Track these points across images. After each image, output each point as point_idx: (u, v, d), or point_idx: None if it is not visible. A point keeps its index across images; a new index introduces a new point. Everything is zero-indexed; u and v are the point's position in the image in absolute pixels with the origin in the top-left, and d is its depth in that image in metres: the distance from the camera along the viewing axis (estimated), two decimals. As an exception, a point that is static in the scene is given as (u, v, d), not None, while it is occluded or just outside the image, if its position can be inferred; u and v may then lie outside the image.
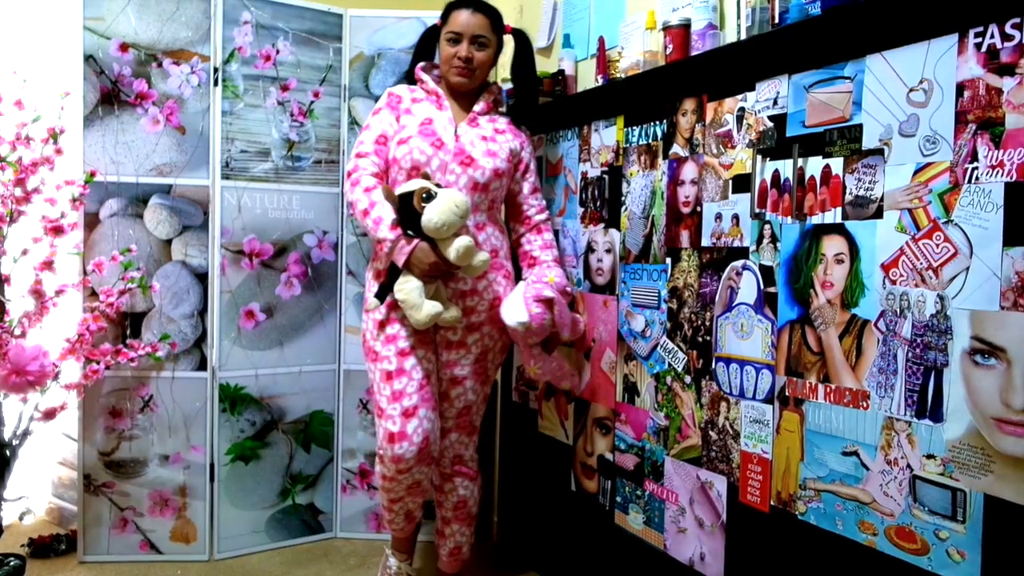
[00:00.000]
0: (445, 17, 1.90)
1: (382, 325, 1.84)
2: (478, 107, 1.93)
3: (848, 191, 1.28)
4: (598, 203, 1.92)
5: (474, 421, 1.98)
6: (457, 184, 1.82)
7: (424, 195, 1.68)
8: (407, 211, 1.70)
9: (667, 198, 1.68)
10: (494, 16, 1.90)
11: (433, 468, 1.94)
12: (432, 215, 1.66)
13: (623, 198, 1.83)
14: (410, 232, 1.71)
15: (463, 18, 1.86)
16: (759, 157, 1.44)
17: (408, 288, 1.72)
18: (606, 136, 1.89)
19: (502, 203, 1.99)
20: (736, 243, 1.50)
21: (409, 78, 2.00)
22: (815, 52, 1.33)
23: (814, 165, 1.34)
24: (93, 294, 2.18)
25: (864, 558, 1.25)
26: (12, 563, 2.05)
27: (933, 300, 1.15)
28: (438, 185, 1.75)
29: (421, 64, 1.98)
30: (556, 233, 2.07)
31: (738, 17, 1.61)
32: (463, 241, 1.69)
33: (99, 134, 2.20)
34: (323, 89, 2.41)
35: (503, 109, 2.04)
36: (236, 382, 2.33)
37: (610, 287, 1.88)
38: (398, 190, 1.75)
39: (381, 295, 1.78)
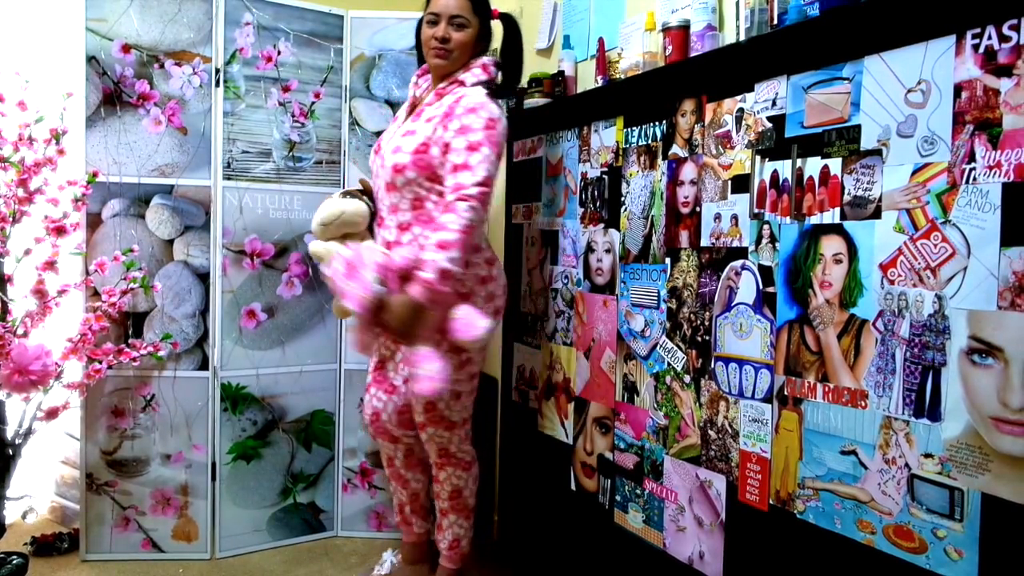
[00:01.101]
0: (428, 1, 1.91)
1: None
2: (428, 98, 1.90)
3: (846, 191, 1.28)
4: (598, 203, 1.93)
5: (445, 415, 1.91)
6: (381, 187, 1.89)
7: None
8: None
9: (666, 198, 1.69)
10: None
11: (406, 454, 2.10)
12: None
13: (623, 198, 1.83)
14: None
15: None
16: (758, 157, 1.45)
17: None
18: (606, 137, 1.89)
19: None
20: (735, 243, 1.50)
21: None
22: (814, 53, 1.33)
23: (813, 165, 1.34)
24: (95, 294, 2.19)
25: (862, 557, 1.26)
26: (15, 561, 2.06)
27: (931, 300, 1.15)
28: (359, 195, 2.01)
29: (419, 69, 2.02)
30: (556, 233, 2.08)
31: (737, 18, 1.61)
32: (312, 244, 2.00)
33: (101, 135, 2.21)
34: (324, 90, 2.42)
35: (470, 83, 1.85)
36: (237, 381, 2.34)
37: (610, 287, 1.88)
38: None
39: None
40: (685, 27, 1.68)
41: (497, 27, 1.98)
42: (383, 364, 2.04)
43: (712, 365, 1.56)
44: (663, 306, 1.70)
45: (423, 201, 1.81)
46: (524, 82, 2.23)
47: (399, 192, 1.83)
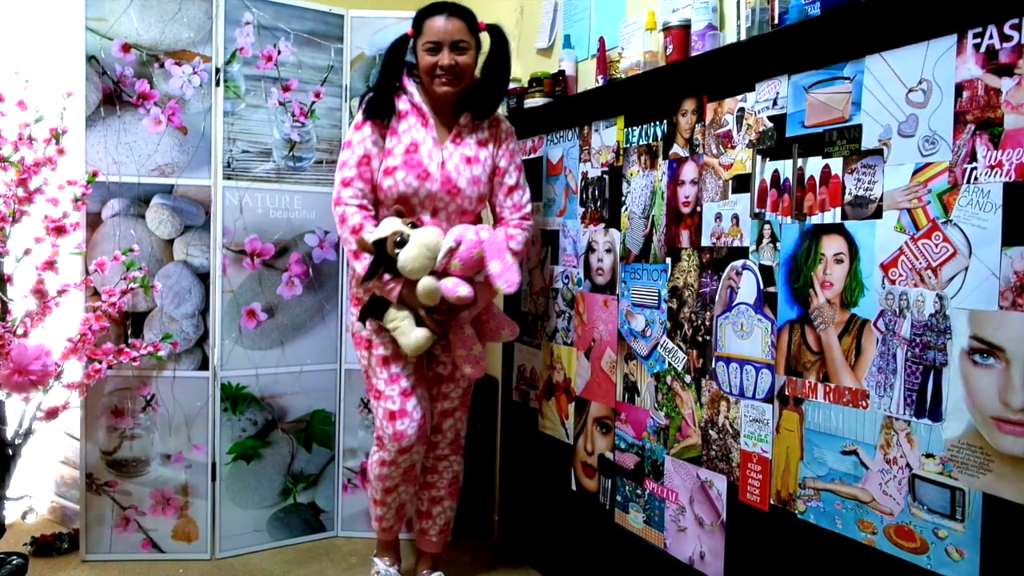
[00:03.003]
0: (419, 26, 1.85)
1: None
2: (463, 119, 1.90)
3: (847, 191, 1.28)
4: (598, 203, 1.93)
5: (468, 398, 2.08)
6: (447, 210, 1.87)
7: (396, 240, 1.77)
8: (383, 256, 1.78)
9: (667, 198, 1.69)
10: (469, 18, 1.85)
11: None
12: (405, 262, 1.76)
13: (623, 198, 1.83)
14: (389, 275, 1.81)
15: (439, 25, 1.81)
16: (759, 157, 1.45)
17: (400, 317, 1.83)
18: (606, 136, 1.89)
19: None
20: (736, 243, 1.50)
21: (384, 89, 1.89)
22: (815, 53, 1.33)
23: (814, 165, 1.34)
24: (95, 294, 2.18)
25: (863, 557, 1.25)
26: (15, 562, 2.06)
27: (932, 300, 1.15)
28: (413, 224, 1.81)
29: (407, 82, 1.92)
30: (557, 233, 2.08)
31: (738, 18, 1.61)
32: (425, 284, 1.76)
33: (101, 134, 2.21)
34: (324, 89, 2.42)
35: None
36: (237, 381, 2.34)
37: (610, 287, 1.88)
38: (372, 236, 1.80)
39: (363, 319, 1.91)
40: (686, 26, 1.68)
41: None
42: (421, 363, 1.94)
43: (713, 365, 1.56)
44: (664, 306, 1.70)
45: (469, 215, 1.94)
46: (525, 82, 2.23)
47: (445, 210, 1.89)
